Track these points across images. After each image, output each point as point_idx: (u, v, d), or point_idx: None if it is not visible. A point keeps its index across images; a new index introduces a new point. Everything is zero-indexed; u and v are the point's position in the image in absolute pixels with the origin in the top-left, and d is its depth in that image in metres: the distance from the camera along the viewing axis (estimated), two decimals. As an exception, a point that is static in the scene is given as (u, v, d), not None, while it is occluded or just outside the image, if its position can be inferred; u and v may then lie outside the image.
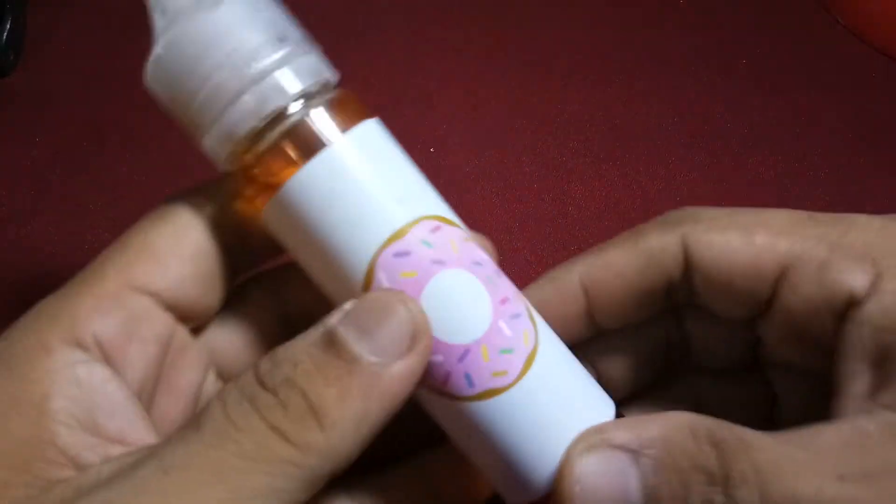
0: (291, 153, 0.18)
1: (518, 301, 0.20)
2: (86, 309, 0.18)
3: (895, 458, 0.16)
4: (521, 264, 0.34)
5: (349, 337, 0.17)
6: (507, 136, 0.39)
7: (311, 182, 0.18)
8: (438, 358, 0.18)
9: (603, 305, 0.22)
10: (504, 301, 0.19)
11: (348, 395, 0.17)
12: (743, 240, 0.21)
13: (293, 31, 0.19)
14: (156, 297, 0.19)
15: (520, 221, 0.36)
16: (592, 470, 0.18)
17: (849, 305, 0.19)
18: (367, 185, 0.19)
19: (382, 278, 0.18)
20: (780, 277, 0.20)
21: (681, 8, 0.47)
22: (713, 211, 0.22)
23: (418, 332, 0.18)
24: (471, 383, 0.18)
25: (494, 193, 0.37)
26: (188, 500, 0.15)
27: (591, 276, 0.22)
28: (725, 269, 0.21)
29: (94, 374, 0.18)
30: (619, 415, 0.20)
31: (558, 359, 0.20)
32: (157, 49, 0.18)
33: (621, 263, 0.22)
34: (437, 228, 0.19)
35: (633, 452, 0.17)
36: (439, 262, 0.18)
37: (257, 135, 0.19)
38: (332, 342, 0.17)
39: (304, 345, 0.17)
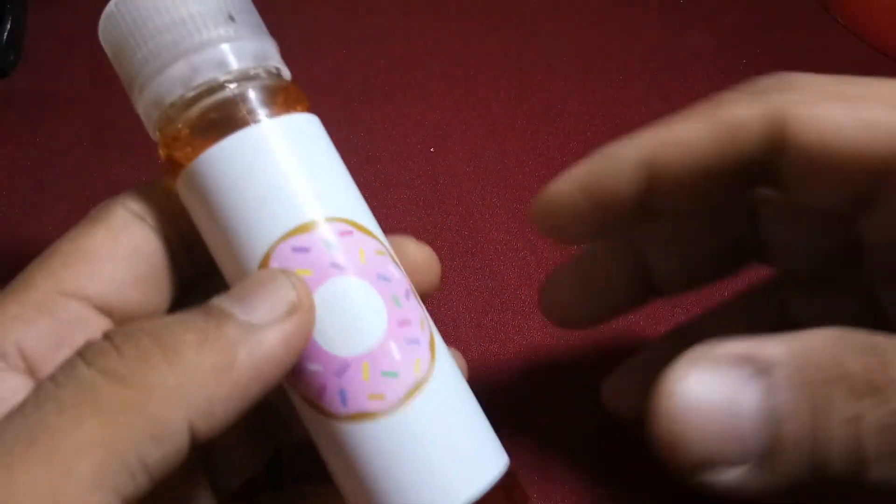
0: (215, 127, 0.18)
1: (422, 329, 0.18)
2: (8, 318, 0.17)
3: None
4: (521, 264, 0.34)
5: (224, 302, 0.16)
6: (507, 136, 0.39)
7: (224, 157, 0.18)
8: (317, 367, 0.17)
9: (665, 188, 0.18)
10: (403, 323, 0.18)
11: (210, 342, 0.15)
12: (851, 114, 0.17)
13: (249, 15, 0.19)
14: (89, 301, 0.18)
15: (520, 221, 0.36)
16: (704, 391, 0.14)
17: None
18: (280, 172, 0.18)
19: None
20: (894, 163, 0.16)
21: (681, 8, 0.47)
22: (810, 79, 0.18)
23: (299, 302, 0.16)
24: (344, 402, 0.17)
25: (494, 193, 0.37)
26: None
27: (655, 153, 0.18)
28: (825, 151, 0.16)
29: (5, 385, 0.17)
30: (509, 473, 0.19)
31: (451, 398, 0.18)
32: (111, 5, 0.18)
33: (694, 139, 0.17)
34: (347, 233, 0.18)
35: (753, 367, 0.14)
36: (339, 267, 0.17)
37: (187, 104, 0.18)
38: (205, 308, 0.16)
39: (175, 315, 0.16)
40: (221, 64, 0.18)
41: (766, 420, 0.14)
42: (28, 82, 0.40)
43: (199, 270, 0.21)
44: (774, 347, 0.14)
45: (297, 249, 0.17)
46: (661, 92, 0.42)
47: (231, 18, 0.18)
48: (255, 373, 0.16)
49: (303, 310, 0.17)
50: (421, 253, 0.22)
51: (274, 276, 0.17)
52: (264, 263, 0.17)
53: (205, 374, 0.15)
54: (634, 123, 0.40)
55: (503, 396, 0.31)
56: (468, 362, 0.32)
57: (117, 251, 0.19)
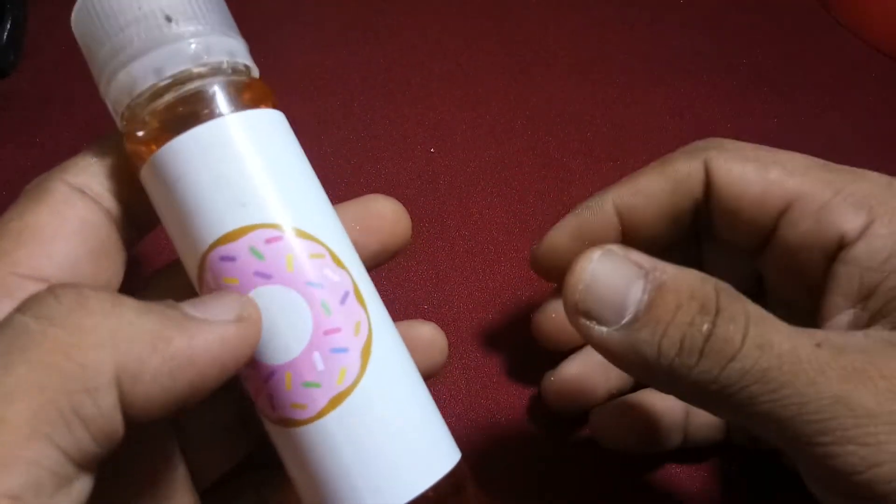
0: (176, 121, 0.18)
1: (355, 335, 0.18)
2: None
3: (864, 344, 0.19)
4: (521, 264, 0.34)
5: (182, 303, 0.17)
6: (507, 136, 0.39)
7: (164, 165, 0.18)
8: (251, 371, 0.18)
9: (636, 229, 0.24)
10: (330, 332, 0.18)
11: (154, 313, 0.15)
12: (758, 173, 0.22)
13: (217, 14, 0.19)
14: (46, 282, 0.18)
15: (520, 221, 0.36)
16: (605, 270, 0.19)
17: (840, 246, 0.21)
18: (209, 181, 0.18)
19: (209, 279, 0.18)
20: (784, 212, 0.22)
21: (681, 8, 0.47)
22: (737, 143, 0.23)
23: (246, 314, 0.17)
24: (273, 406, 0.18)
25: (494, 193, 0.37)
26: None
27: (624, 202, 0.24)
28: (737, 197, 0.22)
29: None
30: (452, 478, 0.18)
31: (381, 406, 0.18)
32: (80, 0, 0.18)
33: (652, 188, 0.24)
34: (275, 239, 0.18)
35: (645, 270, 0.19)
36: (263, 276, 0.17)
37: (151, 98, 0.18)
38: (158, 301, 0.16)
39: None
40: (187, 58, 0.18)
41: (638, 304, 0.19)
42: (28, 82, 0.40)
43: (143, 237, 0.21)
44: (667, 266, 0.19)
45: (224, 258, 0.17)
46: (661, 92, 0.42)
47: (200, 16, 0.18)
48: (189, 359, 0.16)
49: (248, 321, 0.17)
50: (389, 207, 0.23)
51: (228, 292, 0.17)
52: (201, 270, 0.18)
53: (141, 334, 0.15)
54: (635, 123, 0.40)
55: (503, 396, 0.31)
56: (468, 362, 0.32)
57: (65, 227, 0.18)
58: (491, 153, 0.39)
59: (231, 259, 0.17)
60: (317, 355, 0.17)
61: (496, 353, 0.32)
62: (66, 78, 0.40)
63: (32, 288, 0.17)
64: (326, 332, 0.18)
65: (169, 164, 0.18)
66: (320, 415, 0.17)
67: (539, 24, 0.45)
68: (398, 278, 0.34)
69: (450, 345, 0.32)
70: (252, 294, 0.17)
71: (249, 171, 0.18)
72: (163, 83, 0.18)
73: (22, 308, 0.15)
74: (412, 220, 0.36)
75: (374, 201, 0.23)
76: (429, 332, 0.24)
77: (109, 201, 0.20)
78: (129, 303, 0.16)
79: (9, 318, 0.15)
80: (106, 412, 0.15)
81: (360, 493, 0.17)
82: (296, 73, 0.40)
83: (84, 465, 0.15)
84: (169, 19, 0.18)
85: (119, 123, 0.19)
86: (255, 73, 0.20)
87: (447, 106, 0.40)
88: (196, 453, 0.22)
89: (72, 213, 0.19)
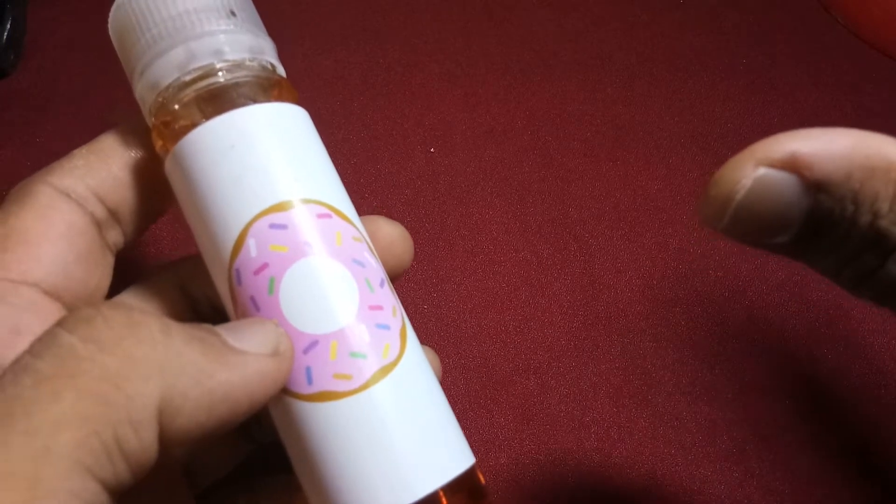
0: (204, 111, 0.18)
1: (394, 316, 0.18)
2: None
3: None
4: (521, 264, 0.34)
5: (215, 327, 0.16)
6: (507, 136, 0.39)
7: (209, 136, 0.18)
8: None
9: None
10: (375, 308, 0.18)
11: (200, 342, 0.15)
12: None
13: (248, 13, 0.20)
14: (37, 287, 0.18)
15: (520, 221, 0.36)
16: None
17: None
18: (262, 152, 0.18)
19: (251, 245, 0.18)
20: None
21: (681, 8, 0.47)
22: None
23: (284, 349, 0.17)
24: (310, 380, 0.17)
25: (494, 193, 0.37)
26: None
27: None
28: None
29: None
30: (471, 473, 0.19)
31: (418, 388, 0.18)
32: None
33: None
34: (325, 216, 0.18)
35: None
36: (314, 246, 0.18)
37: (180, 88, 0.19)
38: (195, 324, 0.16)
39: None
40: (217, 52, 0.19)
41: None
42: (28, 82, 0.40)
43: (128, 242, 0.21)
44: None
45: (274, 226, 0.18)
46: (661, 92, 0.42)
47: (232, 13, 0.19)
48: (226, 394, 0.15)
49: (284, 357, 0.17)
50: (394, 231, 0.22)
51: (264, 322, 0.17)
52: (240, 240, 0.18)
53: (186, 366, 0.15)
54: (634, 123, 0.40)
55: (503, 396, 0.31)
56: (468, 362, 0.32)
57: (52, 231, 0.18)
58: (491, 153, 0.39)
59: (282, 227, 0.18)
60: (364, 327, 0.18)
61: (496, 352, 0.32)
62: (66, 78, 0.40)
63: (25, 292, 0.18)
64: (371, 308, 0.18)
65: (219, 136, 0.18)
66: (365, 386, 0.17)
67: (539, 24, 0.45)
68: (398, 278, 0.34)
69: (450, 345, 0.32)
70: (300, 262, 0.18)
71: (303, 150, 0.19)
72: (220, 65, 0.19)
73: (67, 326, 0.15)
74: (412, 220, 0.36)
75: (377, 224, 0.22)
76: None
77: (94, 205, 0.19)
78: (177, 330, 0.15)
79: (53, 335, 0.14)
80: (146, 445, 0.14)
81: (389, 475, 0.17)
82: (296, 74, 0.40)
83: (116, 494, 0.15)
84: (233, 13, 0.19)
85: (148, 119, 0.20)
86: (281, 71, 0.21)
87: (447, 106, 0.40)
88: (193, 457, 0.22)
89: (57, 216, 0.19)
